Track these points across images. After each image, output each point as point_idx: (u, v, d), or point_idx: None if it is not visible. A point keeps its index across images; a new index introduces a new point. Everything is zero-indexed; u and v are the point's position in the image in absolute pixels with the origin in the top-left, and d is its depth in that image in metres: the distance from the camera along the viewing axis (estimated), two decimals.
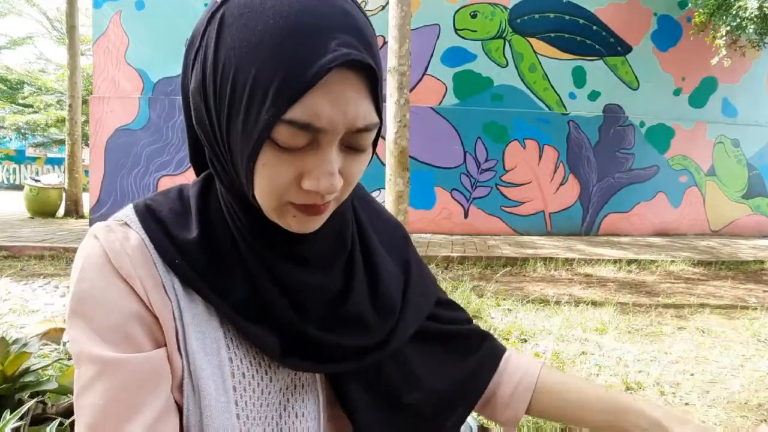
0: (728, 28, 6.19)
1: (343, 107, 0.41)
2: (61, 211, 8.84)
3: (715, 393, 2.32)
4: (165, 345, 0.47)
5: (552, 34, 7.37)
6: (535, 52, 7.35)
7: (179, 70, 0.49)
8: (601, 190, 7.59)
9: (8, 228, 6.83)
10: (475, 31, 7.27)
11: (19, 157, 19.23)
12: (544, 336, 3.00)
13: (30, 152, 19.04)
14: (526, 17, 7.31)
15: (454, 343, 0.63)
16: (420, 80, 7.18)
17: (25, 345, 1.32)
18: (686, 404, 2.22)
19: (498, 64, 7.32)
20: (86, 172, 8.22)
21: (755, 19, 5.91)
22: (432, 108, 7.22)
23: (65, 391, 1.27)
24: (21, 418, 1.12)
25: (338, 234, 0.54)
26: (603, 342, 2.95)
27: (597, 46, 7.48)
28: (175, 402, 0.47)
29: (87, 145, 9.23)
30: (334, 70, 0.39)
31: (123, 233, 0.48)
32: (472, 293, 3.74)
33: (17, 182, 18.50)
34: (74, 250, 5.03)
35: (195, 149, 0.54)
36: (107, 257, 0.47)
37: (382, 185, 4.43)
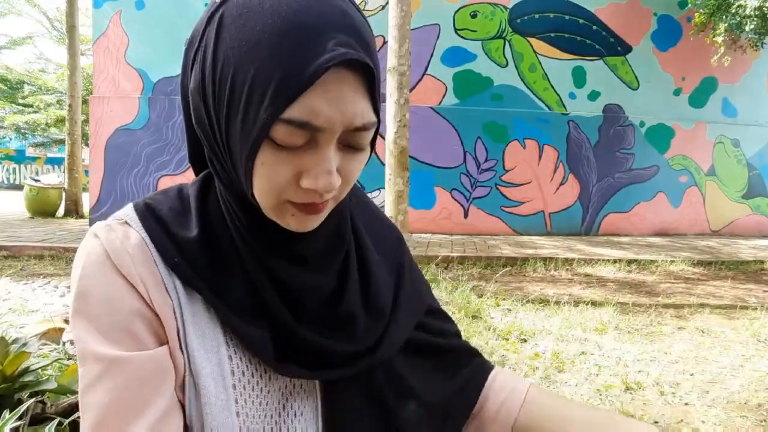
0: (726, 25, 6.20)
1: (341, 106, 0.41)
2: (61, 211, 8.84)
3: (714, 393, 2.32)
4: (167, 343, 0.47)
5: (552, 34, 7.37)
6: (535, 52, 7.36)
7: (179, 70, 0.49)
8: (601, 190, 7.59)
9: (8, 228, 6.83)
10: (475, 31, 7.27)
11: (19, 157, 19.25)
12: (543, 336, 3.00)
13: (30, 152, 19.05)
14: (526, 17, 7.31)
15: (445, 358, 0.63)
16: (420, 80, 7.18)
17: (24, 345, 1.32)
18: (686, 404, 2.22)
19: (498, 64, 7.32)
20: (86, 171, 8.23)
21: (754, 18, 5.91)
22: (432, 108, 7.22)
23: (64, 390, 1.27)
24: (20, 418, 1.12)
25: (336, 233, 0.54)
26: (603, 342, 2.95)
27: (597, 46, 7.48)
28: (178, 400, 0.47)
29: (87, 144, 9.23)
30: (332, 69, 0.39)
31: (123, 232, 0.49)
32: (471, 293, 3.74)
33: (17, 182, 18.52)
34: (74, 250, 5.04)
35: (194, 148, 0.54)
36: (108, 256, 0.47)
37: (382, 185, 4.43)
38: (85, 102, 10.06)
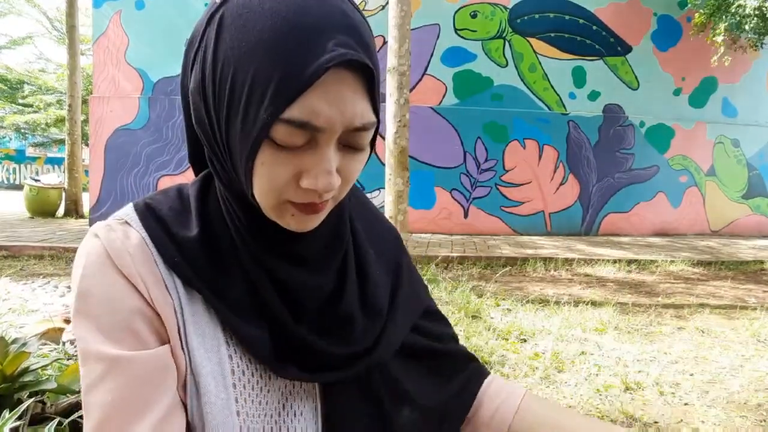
0: (726, 25, 6.20)
1: (341, 107, 0.41)
2: (60, 211, 8.84)
3: (714, 393, 2.33)
4: (169, 342, 0.47)
5: (552, 34, 7.37)
6: (535, 52, 7.36)
7: (179, 70, 0.49)
8: (601, 190, 7.59)
9: (8, 228, 6.83)
10: (475, 31, 7.27)
11: (19, 157, 19.25)
12: (543, 336, 3.01)
13: (30, 152, 19.05)
14: (526, 17, 7.31)
15: (441, 362, 0.63)
16: (420, 80, 7.18)
17: (24, 345, 1.32)
18: (685, 404, 2.22)
19: (498, 64, 7.32)
20: (86, 171, 8.22)
21: (753, 17, 5.92)
22: (432, 108, 7.22)
23: (64, 390, 1.27)
24: (20, 418, 1.12)
25: (335, 233, 0.54)
26: (602, 342, 2.95)
27: (597, 46, 7.48)
28: (180, 399, 0.47)
29: (87, 144, 9.23)
30: (332, 69, 0.39)
31: (123, 232, 0.49)
32: (471, 293, 3.74)
33: (17, 182, 18.52)
34: (74, 250, 5.04)
35: (194, 148, 0.54)
36: (108, 255, 0.47)
37: (382, 185, 4.43)
38: (85, 102, 10.07)
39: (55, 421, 1.15)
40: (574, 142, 7.48)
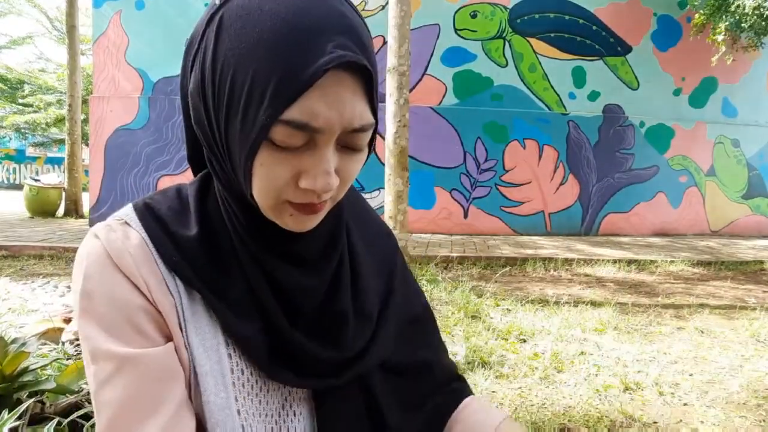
0: (727, 24, 6.21)
1: (340, 108, 0.41)
2: (60, 211, 8.84)
3: (713, 393, 2.33)
4: (173, 340, 0.48)
5: (552, 34, 7.37)
6: (535, 52, 7.36)
7: (179, 70, 0.49)
8: (601, 191, 7.59)
9: (8, 228, 6.83)
10: (475, 31, 7.27)
11: (19, 157, 19.24)
12: (543, 336, 3.01)
13: (30, 152, 19.04)
14: (526, 17, 7.31)
15: (421, 380, 0.61)
16: (420, 80, 7.18)
17: (23, 344, 1.32)
18: (685, 404, 2.22)
19: (498, 64, 7.32)
20: (86, 171, 8.22)
21: (752, 16, 5.93)
22: (432, 108, 7.22)
23: (63, 390, 1.27)
24: (19, 418, 1.13)
25: (333, 233, 0.54)
26: (602, 342, 2.95)
27: (597, 46, 7.48)
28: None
29: (87, 144, 9.23)
30: (330, 71, 0.40)
31: (123, 232, 0.49)
32: (471, 293, 3.74)
33: (17, 182, 18.51)
34: (74, 250, 5.04)
35: (193, 149, 0.54)
36: (108, 255, 0.47)
37: (382, 185, 4.43)
38: (85, 102, 10.06)
39: (55, 421, 1.15)
40: (574, 142, 7.48)
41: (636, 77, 7.59)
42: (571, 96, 7.46)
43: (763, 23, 6.03)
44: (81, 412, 1.20)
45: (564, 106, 7.46)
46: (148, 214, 0.51)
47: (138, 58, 7.16)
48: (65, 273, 4.48)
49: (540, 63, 7.36)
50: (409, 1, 4.34)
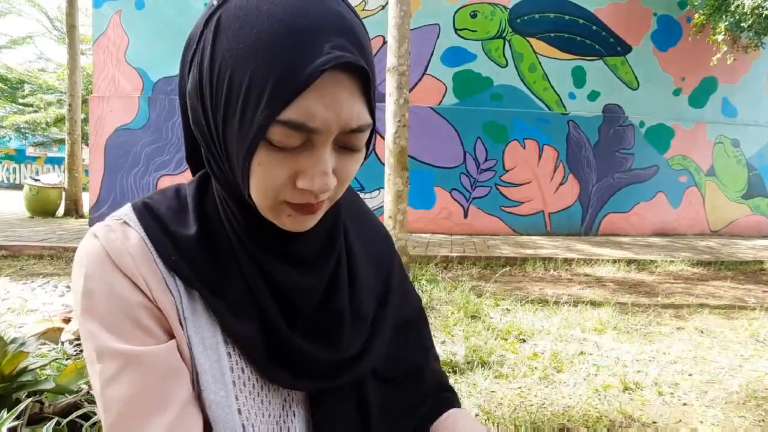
0: (727, 24, 6.21)
1: (337, 109, 0.41)
2: (60, 211, 8.84)
3: (713, 393, 2.33)
4: (175, 337, 0.48)
5: (552, 34, 7.37)
6: (535, 52, 7.35)
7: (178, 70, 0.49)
8: (601, 190, 7.59)
9: (8, 227, 6.83)
10: (475, 31, 7.27)
11: (19, 157, 19.23)
12: (542, 336, 3.01)
13: (30, 152, 19.03)
14: (526, 17, 7.31)
15: (412, 386, 0.61)
16: (420, 80, 7.18)
17: (23, 344, 1.32)
18: (684, 404, 2.22)
19: (498, 64, 7.32)
20: (86, 171, 8.22)
21: (751, 16, 5.93)
22: (432, 108, 7.22)
23: (62, 390, 1.27)
24: (18, 418, 1.12)
25: (331, 233, 0.55)
26: (601, 342, 2.95)
27: (597, 46, 7.48)
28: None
29: (87, 144, 9.22)
30: (328, 72, 0.40)
31: (122, 232, 0.49)
32: (471, 293, 3.74)
33: (17, 182, 18.50)
34: (74, 250, 5.04)
35: (192, 149, 0.54)
36: (108, 255, 0.47)
37: (382, 185, 4.43)
38: (85, 101, 10.06)
39: (54, 420, 1.15)
40: (573, 142, 7.48)
41: (636, 77, 7.59)
42: (571, 96, 7.46)
43: (761, 22, 6.03)
44: (80, 412, 1.20)
45: (564, 106, 7.46)
46: (147, 214, 0.51)
47: (138, 57, 7.16)
48: (65, 273, 4.48)
49: (540, 63, 7.36)
50: (409, 1, 4.33)
